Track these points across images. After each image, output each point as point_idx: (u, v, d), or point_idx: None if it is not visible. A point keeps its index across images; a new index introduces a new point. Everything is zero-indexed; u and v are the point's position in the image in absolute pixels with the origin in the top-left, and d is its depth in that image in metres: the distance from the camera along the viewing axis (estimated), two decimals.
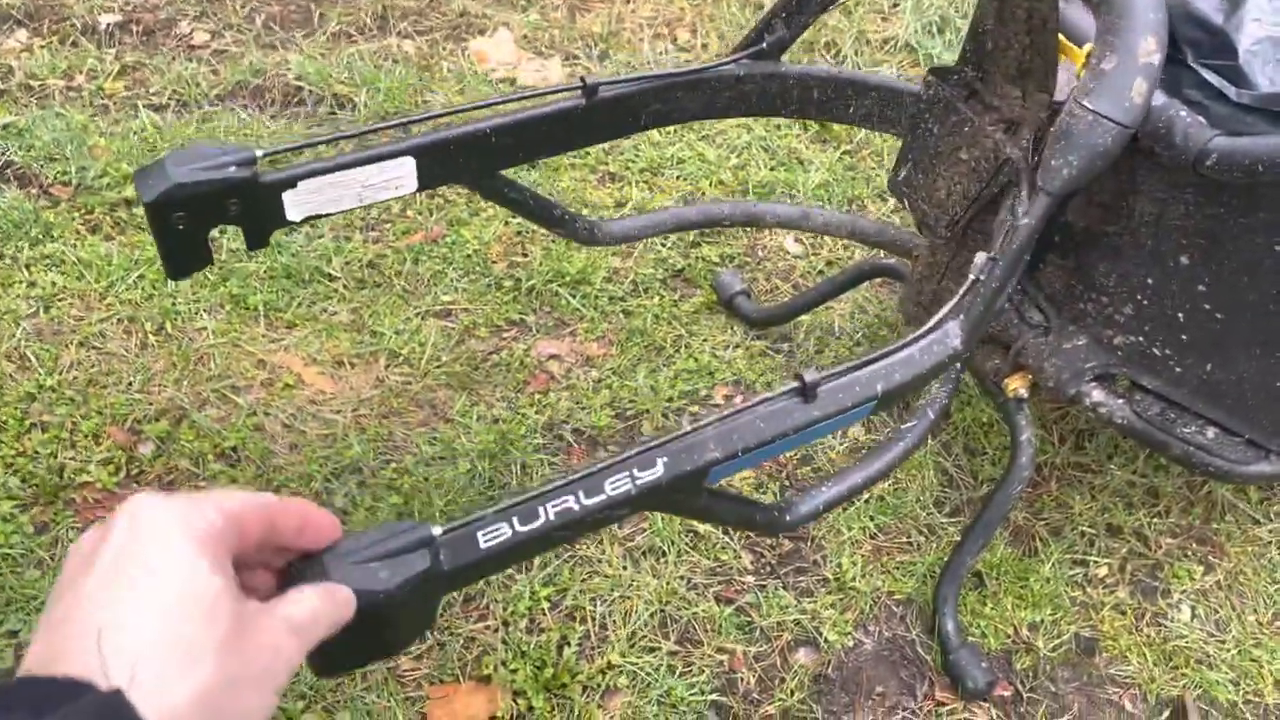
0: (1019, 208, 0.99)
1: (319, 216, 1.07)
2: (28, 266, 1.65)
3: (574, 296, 1.73)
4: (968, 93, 1.12)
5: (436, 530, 0.72)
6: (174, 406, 1.51)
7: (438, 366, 1.62)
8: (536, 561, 1.39)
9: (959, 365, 1.18)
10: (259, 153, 0.99)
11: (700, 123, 2.02)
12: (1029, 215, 0.89)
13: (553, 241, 1.80)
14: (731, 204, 1.36)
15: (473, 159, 1.11)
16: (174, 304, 1.64)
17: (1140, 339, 1.22)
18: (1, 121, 1.88)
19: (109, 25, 2.19)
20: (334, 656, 0.67)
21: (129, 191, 1.79)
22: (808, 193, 1.94)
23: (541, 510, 0.77)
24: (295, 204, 1.04)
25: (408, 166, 1.08)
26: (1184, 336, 1.18)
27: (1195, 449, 1.22)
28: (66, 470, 1.41)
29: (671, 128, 2.03)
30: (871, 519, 1.50)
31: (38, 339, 1.56)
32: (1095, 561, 1.49)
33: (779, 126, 2.06)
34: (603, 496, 0.79)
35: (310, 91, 2.08)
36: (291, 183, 1.02)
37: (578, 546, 1.43)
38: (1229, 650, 1.41)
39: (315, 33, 2.25)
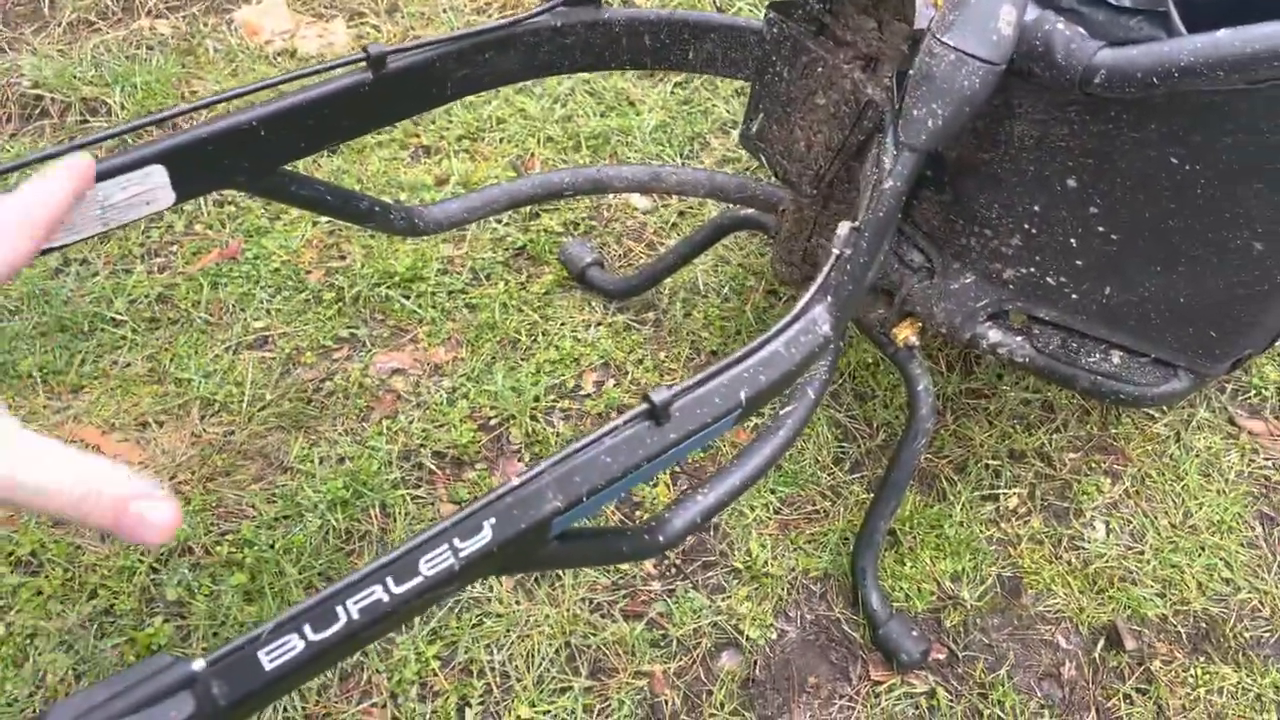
0: (884, 161, 0.85)
1: (51, 250, 0.84)
2: None
3: (407, 298, 1.53)
4: (816, 28, 0.97)
5: (199, 665, 0.59)
6: None
7: (262, 408, 1.40)
8: (416, 618, 1.23)
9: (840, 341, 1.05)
10: None
11: (641, 70, 1.82)
12: (893, 176, 0.76)
13: (373, 238, 1.58)
14: (571, 171, 1.18)
15: (241, 158, 0.90)
16: None
17: (1032, 270, 1.12)
18: None
19: None
20: None
21: None
22: (645, 137, 1.77)
23: (340, 610, 0.63)
24: None
25: (157, 177, 0.86)
26: (1079, 262, 1.09)
27: (1102, 377, 1.14)
28: None
29: None
30: (772, 492, 1.39)
31: None
32: (1005, 493, 1.42)
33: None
34: (419, 579, 0.64)
35: (54, 99, 1.77)
36: None
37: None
38: (1149, 562, 1.37)
39: (49, 25, 1.92)
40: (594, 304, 1.55)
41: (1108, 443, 1.49)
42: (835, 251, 0.80)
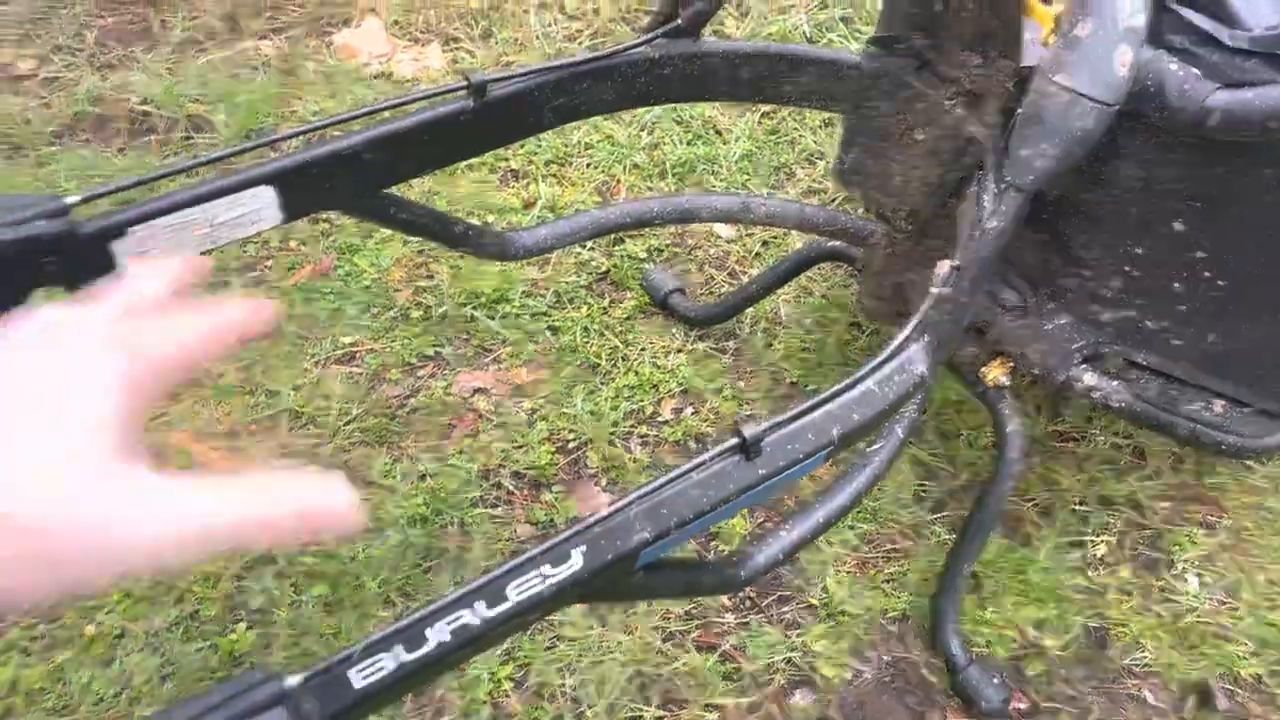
0: (985, 200, 0.84)
1: None
2: None
3: (492, 319, 1.55)
4: (918, 63, 0.96)
5: (292, 682, 0.60)
6: None
7: (348, 422, 1.43)
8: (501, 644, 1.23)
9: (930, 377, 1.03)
10: (70, 200, 0.80)
11: (740, 102, 1.84)
12: (997, 216, 0.75)
13: (461, 258, 1.61)
14: (660, 199, 1.19)
15: (345, 180, 0.93)
16: None
17: (1132, 313, 1.09)
18: None
19: None
20: None
21: None
22: (731, 166, 1.77)
23: (430, 632, 0.64)
24: (128, 254, 0.85)
25: (265, 197, 0.89)
26: (1182, 307, 1.06)
27: (1203, 426, 1.10)
28: None
29: None
30: (851, 529, 1.37)
31: None
32: (1092, 540, 1.38)
33: None
34: (508, 605, 0.65)
35: (161, 115, 1.83)
36: (118, 230, 0.83)
37: None
38: (1244, 619, 1.32)
39: (158, 45, 1.99)
40: (675, 331, 1.55)
41: (1202, 493, 1.44)
42: (934, 290, 0.79)
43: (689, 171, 1.77)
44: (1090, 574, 1.35)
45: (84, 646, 1.21)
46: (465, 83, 0.92)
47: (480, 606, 0.66)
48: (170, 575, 1.27)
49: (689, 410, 1.48)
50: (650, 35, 0.98)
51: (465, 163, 1.73)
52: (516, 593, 0.67)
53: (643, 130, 1.83)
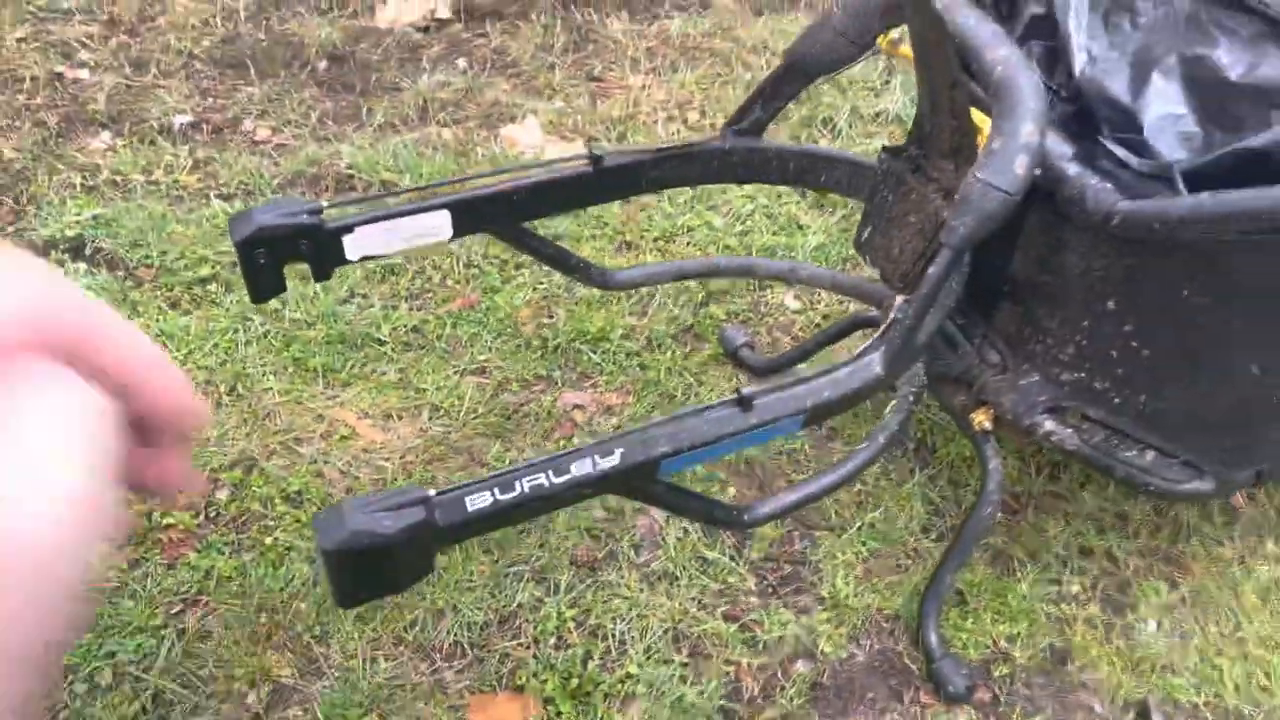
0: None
1: (372, 257, 1.29)
2: None
3: (594, 352, 1.93)
4: (913, 167, 1.31)
5: (432, 492, 0.95)
6: (245, 457, 1.72)
7: (475, 418, 1.82)
8: (563, 585, 1.58)
9: (911, 398, 1.35)
10: (325, 204, 1.23)
11: (708, 194, 2.24)
12: (935, 266, 1.08)
13: (576, 304, 2.01)
14: (728, 257, 1.56)
15: (499, 213, 1.34)
16: (244, 368, 1.86)
17: (1083, 375, 1.39)
18: (91, 213, 2.14)
19: (182, 125, 2.47)
20: (348, 588, 0.93)
21: (204, 271, 2.04)
22: (805, 254, 2.13)
23: (518, 483, 0.98)
24: (353, 245, 1.27)
25: (443, 218, 1.31)
26: (1119, 371, 1.35)
27: (1137, 470, 1.38)
28: (154, 515, 1.63)
29: (682, 200, 2.25)
30: (864, 544, 1.66)
31: None
32: (1068, 580, 1.64)
33: (780, 196, 2.27)
34: (568, 476, 0.99)
35: (360, 178, 2.33)
36: (350, 228, 1.26)
37: (599, 572, 1.61)
38: (1192, 658, 1.55)
39: (364, 126, 2.51)
40: (741, 378, 1.91)
41: (1175, 556, 1.68)
42: (890, 315, 1.13)
43: (770, 255, 2.14)
44: (1062, 606, 1.61)
45: (262, 552, 1.61)
46: (589, 154, 1.33)
47: (551, 474, 1.02)
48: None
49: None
50: (723, 133, 1.38)
51: (590, 233, 2.15)
52: (576, 469, 1.02)
53: (737, 220, 2.22)
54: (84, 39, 2.70)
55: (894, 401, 1.41)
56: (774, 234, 2.19)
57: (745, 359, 1.91)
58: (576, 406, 1.86)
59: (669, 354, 1.95)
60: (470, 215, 1.31)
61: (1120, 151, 1.26)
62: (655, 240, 2.17)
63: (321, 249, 1.24)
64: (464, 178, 1.30)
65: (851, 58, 1.28)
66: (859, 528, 1.69)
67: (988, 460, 1.53)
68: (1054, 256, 1.35)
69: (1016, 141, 1.04)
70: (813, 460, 1.80)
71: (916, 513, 1.72)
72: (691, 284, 2.06)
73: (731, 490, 1.75)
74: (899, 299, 1.14)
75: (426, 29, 2.86)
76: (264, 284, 1.24)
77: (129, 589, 1.54)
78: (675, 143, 1.36)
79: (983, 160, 1.05)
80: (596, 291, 2.03)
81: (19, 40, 2.66)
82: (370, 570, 0.95)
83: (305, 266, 1.26)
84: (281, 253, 1.23)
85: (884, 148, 1.36)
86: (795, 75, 1.33)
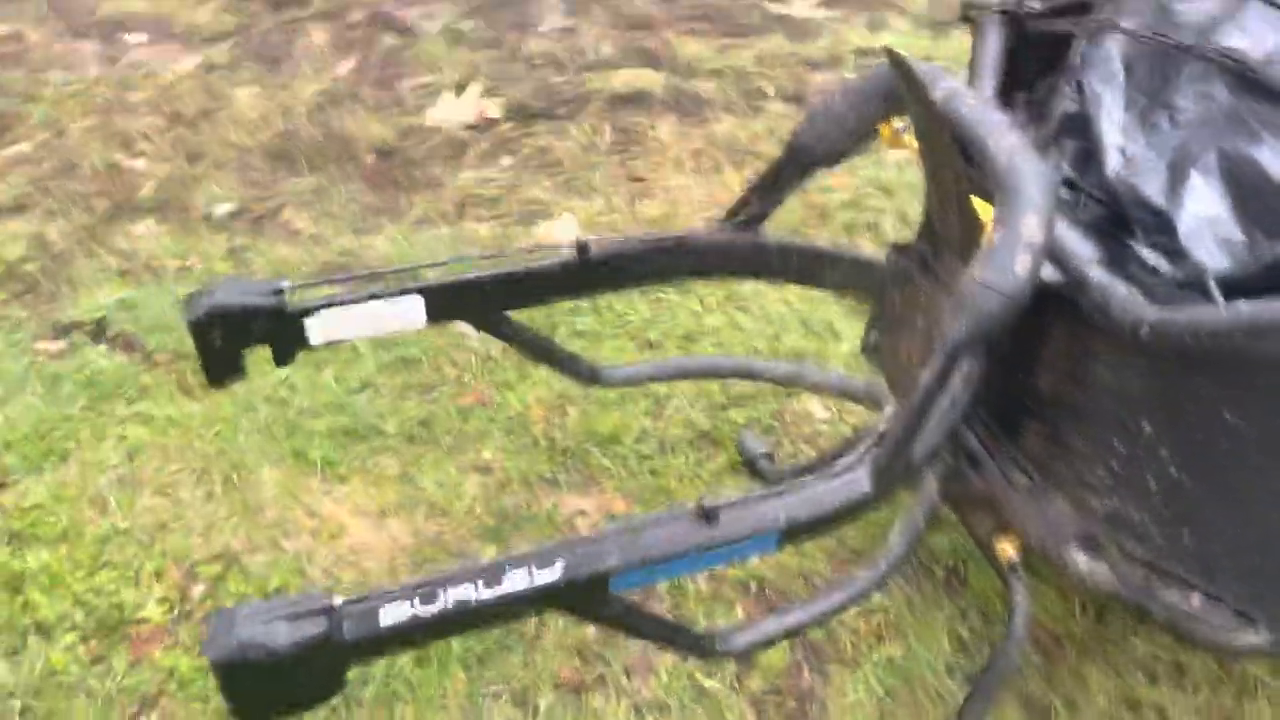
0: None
1: (339, 341, 1.23)
2: (122, 422, 1.87)
3: (604, 455, 1.83)
4: (922, 266, 1.21)
5: (339, 600, 0.85)
6: (229, 551, 1.65)
7: (472, 518, 1.73)
8: (543, 709, 1.45)
9: (920, 521, 1.22)
10: (287, 284, 1.18)
11: (738, 294, 2.16)
12: (929, 371, 0.96)
13: (590, 403, 1.92)
14: (732, 358, 1.46)
15: (476, 301, 1.27)
16: (244, 457, 1.81)
17: (1117, 503, 1.24)
18: (117, 296, 2.15)
19: (224, 213, 2.50)
20: (242, 703, 0.82)
21: None
22: (838, 361, 2.02)
23: (441, 594, 0.87)
24: (317, 329, 1.21)
25: (416, 304, 1.24)
26: (1157, 502, 1.20)
27: (1180, 616, 1.21)
28: (126, 607, 1.56)
29: (711, 299, 2.16)
30: (880, 682, 1.50)
31: (120, 487, 1.75)
32: None
33: (815, 298, 2.16)
34: (500, 590, 0.88)
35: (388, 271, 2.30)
36: (313, 311, 1.20)
37: (585, 697, 1.48)
38: None
39: (402, 219, 2.51)
40: (755, 489, 1.78)
41: (1237, 715, 1.48)
42: (880, 426, 1.01)
43: (799, 359, 2.03)
44: None
45: None
46: (575, 244, 1.26)
47: (481, 585, 0.91)
48: None
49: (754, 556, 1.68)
50: (720, 225, 1.29)
51: (612, 331, 2.08)
52: (510, 582, 0.92)
53: (767, 322, 2.12)
54: (146, 131, 2.78)
55: (898, 523, 1.27)
56: (805, 338, 2.08)
57: (763, 470, 1.78)
58: (580, 512, 1.75)
59: (683, 460, 1.83)
60: (446, 303, 1.25)
61: (1151, 256, 1.14)
62: (679, 339, 2.08)
63: (283, 332, 1.19)
64: (442, 263, 1.24)
65: (852, 148, 1.19)
66: (876, 662, 1.52)
67: (1015, 595, 1.37)
68: (1082, 369, 1.21)
69: (1017, 238, 0.93)
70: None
71: (942, 649, 1.55)
72: (714, 386, 1.96)
73: (739, 611, 1.61)
74: (890, 409, 1.02)
75: (476, 127, 2.88)
76: (220, 366, 1.19)
77: (85, 685, 1.46)
78: (668, 233, 1.28)
79: (980, 258, 0.95)
80: (613, 392, 1.94)
81: (85, 129, 2.76)
82: (265, 685, 0.86)
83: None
84: (239, 334, 1.17)
85: (892, 245, 1.25)
86: (795, 165, 1.25)
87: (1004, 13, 1.33)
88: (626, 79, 3.06)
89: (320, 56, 3.16)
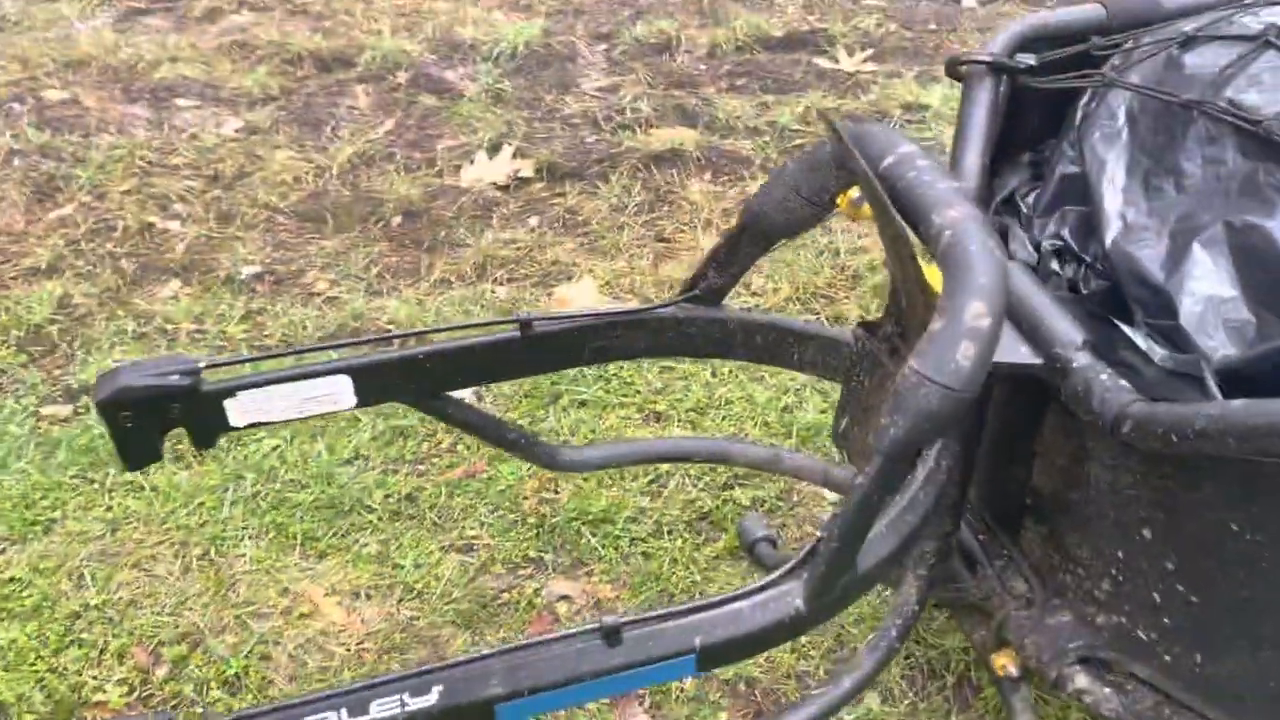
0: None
1: (261, 424, 1.16)
2: (110, 491, 1.84)
3: (595, 535, 1.73)
4: (890, 348, 1.09)
5: None
6: (196, 630, 1.60)
7: (448, 602, 1.64)
8: None
9: (894, 632, 1.08)
10: (202, 364, 1.11)
11: (753, 366, 2.04)
12: (863, 476, 0.84)
13: (584, 480, 1.82)
14: (702, 441, 1.36)
15: (411, 381, 1.18)
16: (223, 529, 1.76)
17: (1123, 619, 1.09)
18: (130, 360, 2.14)
19: (248, 275, 2.49)
20: None
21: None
22: None
23: None
24: (237, 411, 1.14)
25: (343, 384, 1.16)
26: (1165, 620, 1.04)
27: None
28: (85, 689, 1.51)
29: (726, 370, 2.05)
30: None
31: (100, 559, 1.71)
32: None
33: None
34: (367, 718, 0.78)
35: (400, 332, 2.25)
36: (231, 392, 1.13)
37: None
38: None
39: (419, 280, 2.46)
40: (756, 577, 1.64)
41: None
42: (818, 534, 0.89)
43: (813, 435, 1.90)
44: None
45: None
46: (515, 318, 1.17)
47: (343, 714, 0.82)
48: None
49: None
50: (677, 299, 1.19)
51: (618, 400, 1.98)
52: (378, 709, 0.82)
53: (783, 393, 2.00)
54: (184, 192, 2.81)
55: (872, 636, 1.14)
56: (823, 412, 1.95)
57: (763, 556, 1.65)
58: (563, 597, 1.65)
59: (678, 543, 1.72)
60: (377, 382, 1.17)
61: (1145, 340, 1.00)
62: (687, 412, 1.97)
63: (200, 414, 1.12)
64: (371, 339, 1.16)
65: (809, 217, 1.08)
66: None
67: (1014, 714, 1.21)
68: (1076, 466, 1.07)
69: (959, 325, 0.81)
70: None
71: None
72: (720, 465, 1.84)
73: (724, 715, 1.48)
74: (830, 516, 0.90)
75: (506, 188, 2.84)
76: (134, 450, 1.13)
77: None
78: (620, 308, 1.19)
79: (919, 348, 0.82)
80: (612, 468, 1.83)
81: (123, 192, 2.80)
82: None
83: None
84: (152, 417, 1.11)
85: (860, 323, 1.14)
86: (752, 236, 1.14)
87: (994, 67, 1.21)
88: (663, 137, 2.99)
89: (360, 118, 3.17)
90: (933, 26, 3.71)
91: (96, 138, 3.05)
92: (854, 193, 1.04)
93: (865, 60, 3.39)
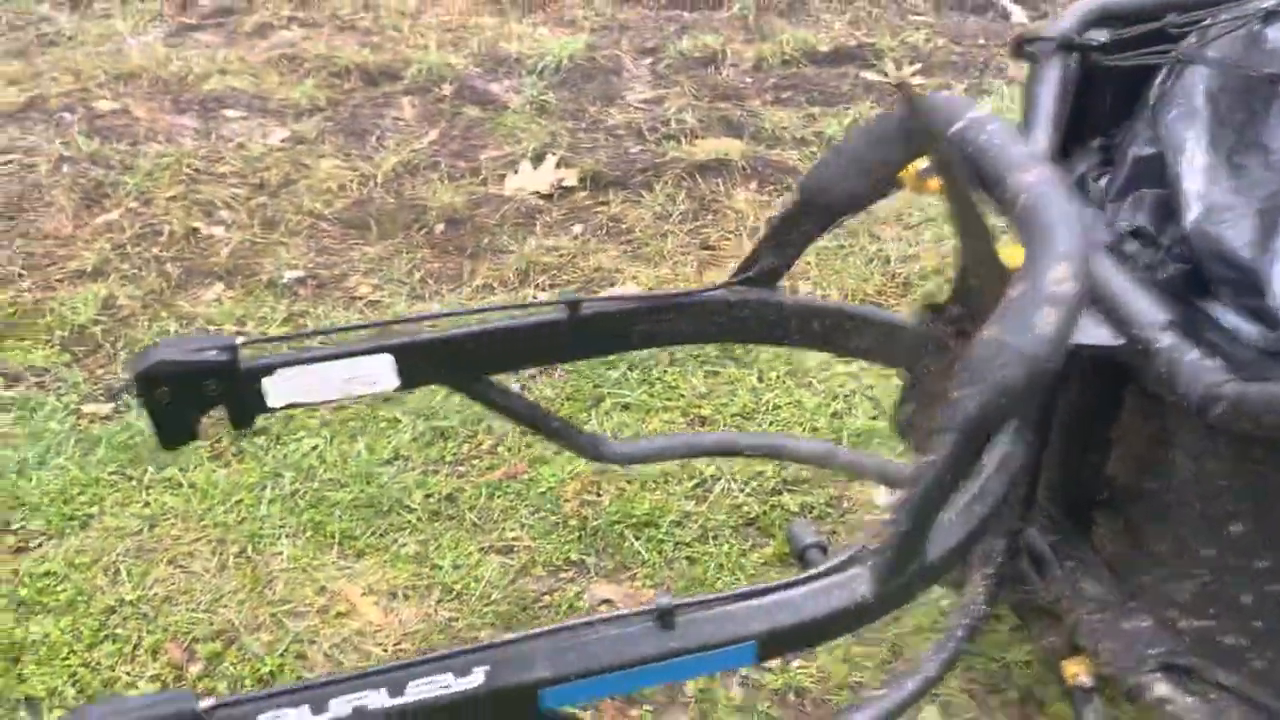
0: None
1: (298, 405, 1.12)
2: (148, 487, 1.82)
3: (638, 539, 1.68)
4: (958, 330, 1.03)
5: (205, 703, 0.72)
6: (231, 628, 1.56)
7: (487, 604, 1.59)
8: None
9: (961, 633, 1.02)
10: (240, 340, 1.07)
11: (802, 369, 1.99)
12: (934, 453, 0.79)
13: (628, 482, 1.77)
14: (754, 435, 1.30)
15: (455, 362, 1.14)
16: (261, 527, 1.73)
17: (1209, 623, 1.01)
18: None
19: (291, 279, 2.48)
20: None
21: (261, 421, 1.96)
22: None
23: (333, 703, 0.73)
24: (274, 391, 1.10)
25: (385, 364, 1.12)
26: (1257, 625, 0.97)
27: None
28: (118, 685, 1.48)
29: (774, 374, 2.00)
30: None
31: (136, 555, 1.69)
32: None
33: (887, 373, 1.97)
34: (405, 699, 0.73)
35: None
36: (269, 370, 1.09)
37: None
38: None
39: (462, 286, 2.44)
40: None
41: None
42: (885, 518, 0.84)
43: (864, 442, 1.84)
44: None
45: None
46: (563, 299, 1.13)
47: (383, 693, 0.77)
48: None
49: (796, 662, 1.48)
50: (728, 281, 1.15)
51: (662, 404, 1.94)
52: (416, 690, 0.77)
53: (833, 399, 1.94)
54: (229, 199, 2.82)
55: (939, 638, 1.08)
56: (873, 418, 1.89)
57: (813, 562, 1.58)
58: (605, 601, 1.60)
59: (724, 548, 1.66)
60: (420, 363, 1.13)
61: (1233, 320, 0.93)
62: (733, 416, 1.92)
63: (237, 393, 1.09)
64: (415, 318, 1.13)
65: (872, 192, 1.03)
66: None
67: None
68: (1158, 456, 1.01)
69: (1041, 289, 0.76)
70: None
71: None
72: (767, 467, 1.79)
73: None
74: (895, 498, 0.84)
75: (549, 196, 2.82)
76: (170, 428, 1.10)
77: None
78: (671, 291, 1.14)
79: (997, 314, 0.77)
80: (655, 471, 1.79)
81: (170, 199, 2.81)
82: None
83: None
84: (188, 394, 1.08)
85: (925, 305, 1.08)
86: (810, 213, 1.10)
87: (1066, 45, 1.16)
88: (708, 148, 2.96)
89: (406, 129, 3.18)
90: (981, 41, 3.66)
91: (145, 146, 3.07)
92: (920, 165, 0.99)
93: (914, 74, 3.35)
